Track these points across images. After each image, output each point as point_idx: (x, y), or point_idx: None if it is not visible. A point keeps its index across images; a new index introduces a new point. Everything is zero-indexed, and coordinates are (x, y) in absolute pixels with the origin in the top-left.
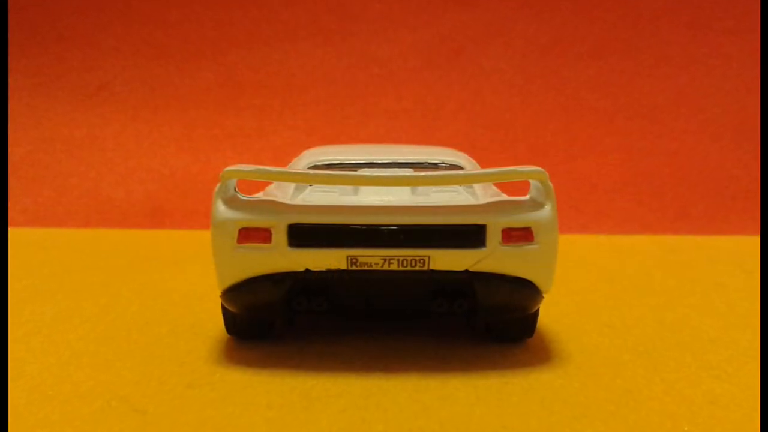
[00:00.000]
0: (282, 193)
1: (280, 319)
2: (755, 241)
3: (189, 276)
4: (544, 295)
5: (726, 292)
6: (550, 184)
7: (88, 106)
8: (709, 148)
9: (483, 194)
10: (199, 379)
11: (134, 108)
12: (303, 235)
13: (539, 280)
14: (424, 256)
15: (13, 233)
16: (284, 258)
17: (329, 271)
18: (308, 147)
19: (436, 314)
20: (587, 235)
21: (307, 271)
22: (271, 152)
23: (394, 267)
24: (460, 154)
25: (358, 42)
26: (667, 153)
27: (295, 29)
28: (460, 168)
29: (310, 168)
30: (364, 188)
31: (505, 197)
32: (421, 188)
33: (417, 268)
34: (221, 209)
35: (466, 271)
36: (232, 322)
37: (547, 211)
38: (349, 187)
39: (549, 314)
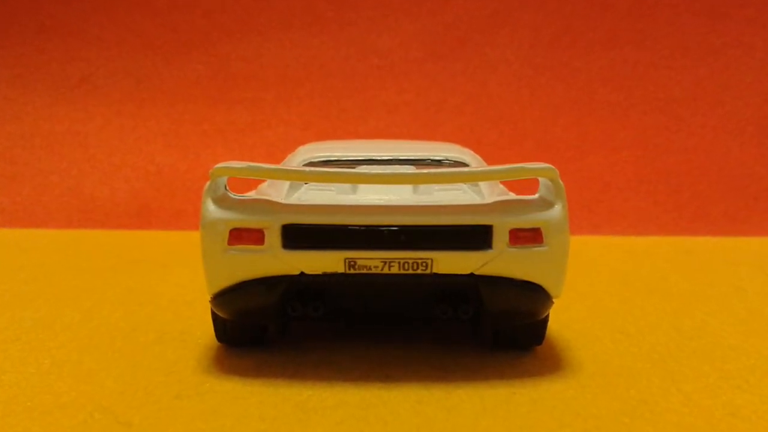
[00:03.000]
0: (276, 191)
1: (273, 326)
2: None
3: (177, 280)
4: (554, 299)
5: (746, 297)
6: (561, 182)
7: (69, 99)
8: (729, 144)
9: (489, 193)
10: (188, 390)
11: (119, 102)
12: (298, 236)
13: (549, 284)
14: (427, 258)
15: None
16: (278, 260)
17: (326, 275)
18: (303, 143)
19: (439, 320)
20: (600, 236)
21: (303, 274)
22: (264, 148)
23: (394, 270)
24: (465, 150)
25: (357, 31)
26: (684, 149)
27: (290, 18)
28: (465, 165)
29: (305, 165)
30: (362, 187)
31: (512, 196)
32: (423, 187)
33: (419, 271)
34: (211, 209)
35: (472, 275)
36: (222, 329)
37: (558, 210)
38: (346, 186)
39: (559, 320)
